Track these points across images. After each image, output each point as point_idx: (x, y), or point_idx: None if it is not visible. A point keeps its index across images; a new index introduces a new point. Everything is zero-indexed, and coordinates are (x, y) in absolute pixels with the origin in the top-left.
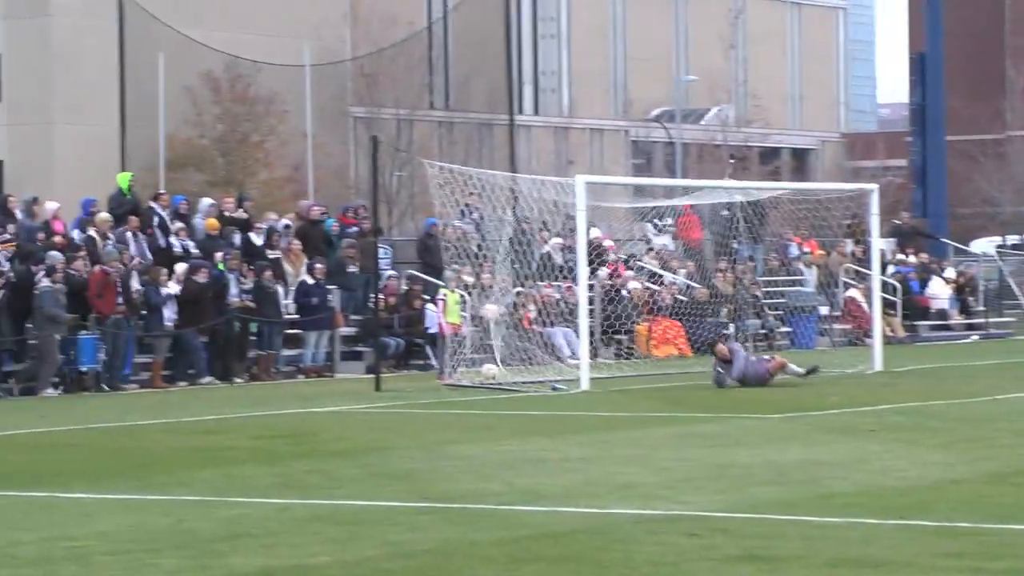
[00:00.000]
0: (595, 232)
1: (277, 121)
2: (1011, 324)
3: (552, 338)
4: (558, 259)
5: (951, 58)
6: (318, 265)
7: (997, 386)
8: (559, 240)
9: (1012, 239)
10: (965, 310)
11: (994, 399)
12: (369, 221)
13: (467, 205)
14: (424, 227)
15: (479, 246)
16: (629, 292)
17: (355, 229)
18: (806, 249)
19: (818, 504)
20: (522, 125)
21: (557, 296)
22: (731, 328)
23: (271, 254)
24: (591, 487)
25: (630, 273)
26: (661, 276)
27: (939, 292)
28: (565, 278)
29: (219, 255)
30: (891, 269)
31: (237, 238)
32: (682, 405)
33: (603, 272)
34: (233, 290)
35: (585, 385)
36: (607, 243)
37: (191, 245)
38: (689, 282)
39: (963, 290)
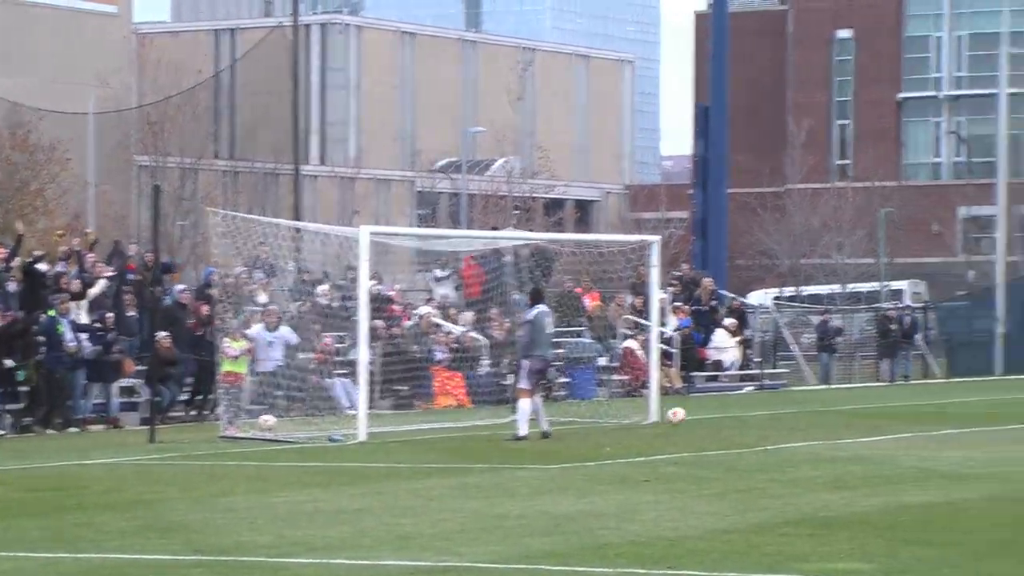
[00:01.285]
0: (376, 284)
1: (59, 169)
2: (785, 375)
3: (331, 389)
4: (333, 306)
5: (734, 112)
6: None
7: (768, 436)
8: (325, 287)
9: (788, 291)
10: (745, 362)
11: (765, 449)
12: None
13: (258, 257)
14: (203, 276)
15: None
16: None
17: (132, 276)
18: (588, 300)
19: (590, 554)
20: (307, 175)
21: (337, 346)
22: (509, 379)
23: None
24: (365, 538)
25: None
26: (440, 326)
27: (723, 343)
28: (343, 328)
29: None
30: (673, 321)
31: (12, 285)
32: (460, 456)
33: (380, 323)
34: (68, 335)
35: (363, 436)
36: (391, 292)
37: None
38: (468, 331)
39: (744, 341)
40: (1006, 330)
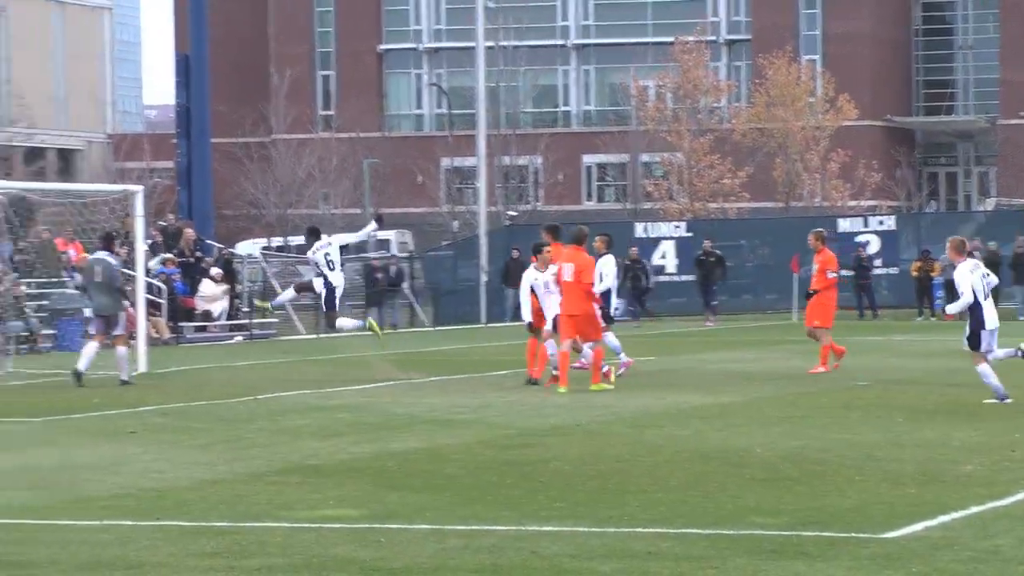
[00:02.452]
0: None
1: None
2: (274, 325)
3: None
4: None
5: (216, 62)
6: None
7: (257, 386)
8: None
9: (276, 241)
10: (232, 312)
11: (255, 399)
12: None
13: None
14: None
15: None
16: None
17: None
18: (71, 250)
19: (75, 508)
20: None
21: None
22: None
23: None
24: None
25: None
26: None
27: (210, 292)
28: None
29: None
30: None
31: None
32: None
33: None
34: None
35: None
36: None
37: None
38: None
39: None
40: (488, 278)
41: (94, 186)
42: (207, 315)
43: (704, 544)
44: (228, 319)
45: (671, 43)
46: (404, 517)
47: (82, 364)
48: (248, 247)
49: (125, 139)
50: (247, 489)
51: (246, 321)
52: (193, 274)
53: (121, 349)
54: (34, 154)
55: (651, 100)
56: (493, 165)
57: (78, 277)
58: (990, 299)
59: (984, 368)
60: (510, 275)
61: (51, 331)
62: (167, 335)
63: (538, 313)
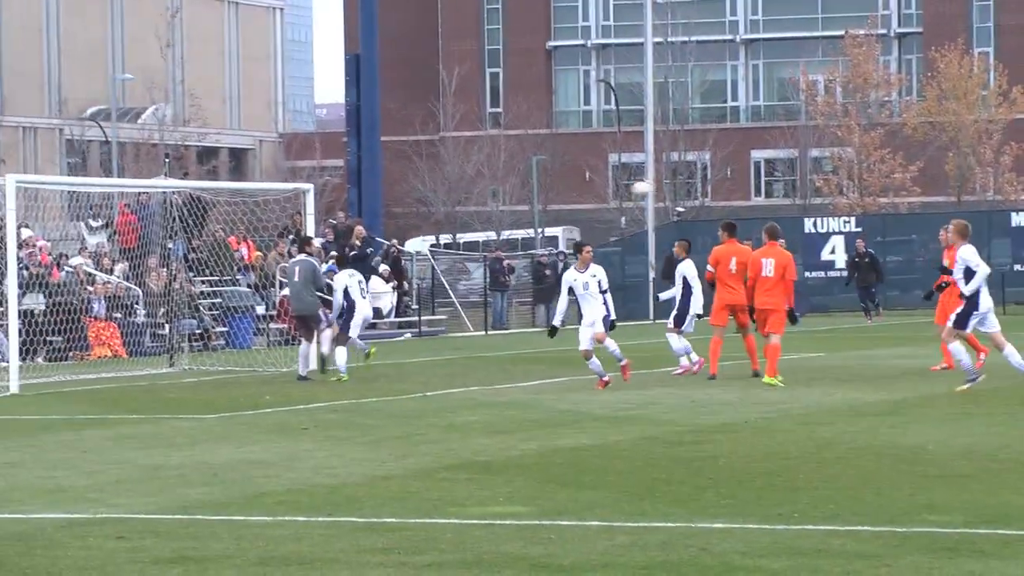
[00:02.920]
0: (27, 232)
1: None
2: (443, 322)
3: None
4: None
5: (386, 60)
6: None
7: (427, 383)
8: None
9: (445, 238)
10: (401, 309)
11: (424, 396)
12: None
13: None
14: None
15: None
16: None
17: None
18: (243, 249)
19: (249, 504)
20: None
21: None
22: (165, 328)
23: None
24: (16, 492)
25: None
26: (94, 276)
27: (379, 289)
28: None
29: None
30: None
31: None
32: (116, 407)
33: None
34: None
35: (15, 388)
36: (40, 243)
37: None
38: (123, 281)
39: (400, 288)
40: (656, 275)
41: (265, 185)
42: (376, 312)
43: (876, 542)
44: (396, 316)
45: (841, 37)
46: (573, 514)
47: (302, 367)
48: (417, 244)
49: (296, 138)
50: (418, 485)
51: (415, 318)
52: (362, 270)
53: (304, 346)
54: (207, 153)
55: (821, 94)
56: (661, 161)
57: (251, 275)
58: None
59: (957, 346)
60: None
61: (223, 328)
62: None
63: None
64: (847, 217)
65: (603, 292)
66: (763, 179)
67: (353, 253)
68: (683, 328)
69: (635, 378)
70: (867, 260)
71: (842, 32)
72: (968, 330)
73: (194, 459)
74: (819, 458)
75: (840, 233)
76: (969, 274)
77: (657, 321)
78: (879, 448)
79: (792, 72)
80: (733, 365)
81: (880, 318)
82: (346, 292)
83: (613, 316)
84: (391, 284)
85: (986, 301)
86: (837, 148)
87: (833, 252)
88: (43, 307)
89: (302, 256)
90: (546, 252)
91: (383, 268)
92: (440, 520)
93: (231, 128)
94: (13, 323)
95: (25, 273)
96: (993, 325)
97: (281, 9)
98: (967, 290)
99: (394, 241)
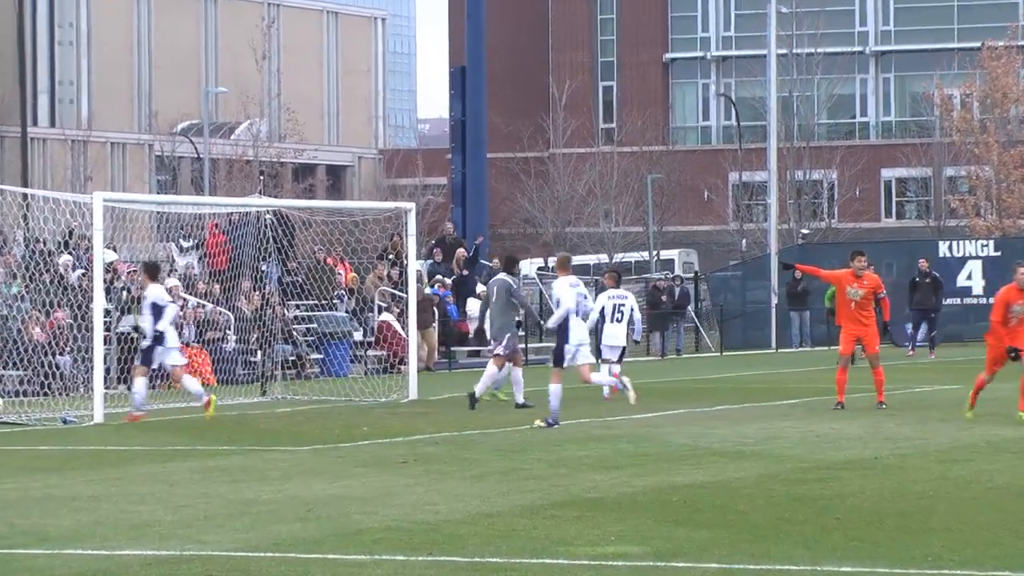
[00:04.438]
0: (111, 255)
1: None
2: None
3: (64, 366)
4: (71, 279)
5: (493, 73)
6: None
7: (533, 413)
8: (69, 258)
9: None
10: None
11: (531, 427)
12: None
13: None
14: None
15: None
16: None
17: None
18: (340, 271)
19: (345, 541)
20: (36, 138)
21: (70, 321)
22: (257, 355)
23: None
24: (101, 527)
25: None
26: (186, 300)
27: (474, 312)
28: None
29: None
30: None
31: None
32: (204, 437)
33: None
34: None
35: (99, 418)
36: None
37: None
38: (214, 306)
39: None
40: (779, 301)
41: (365, 204)
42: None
43: None
44: None
45: (978, 48)
46: (691, 555)
47: (479, 387)
48: (524, 267)
49: (398, 154)
50: (523, 523)
51: (520, 345)
52: (464, 293)
53: (516, 372)
54: (304, 171)
55: (956, 109)
56: (785, 180)
57: (349, 299)
58: None
59: None
60: (796, 297)
61: (319, 355)
62: (434, 360)
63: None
64: (985, 240)
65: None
66: (894, 199)
67: (454, 278)
68: (565, 364)
69: (755, 411)
70: (928, 281)
71: (979, 44)
72: None
73: (287, 493)
74: (955, 498)
75: (977, 258)
76: None
77: (780, 350)
78: (1021, 488)
79: (926, 86)
80: (861, 397)
81: (932, 355)
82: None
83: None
84: None
85: None
86: (974, 167)
87: (970, 278)
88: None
89: (501, 275)
90: (662, 276)
91: (481, 289)
92: (548, 560)
93: (329, 144)
94: (99, 350)
95: (125, 295)
96: None
97: (383, 19)
98: None
99: (496, 261)
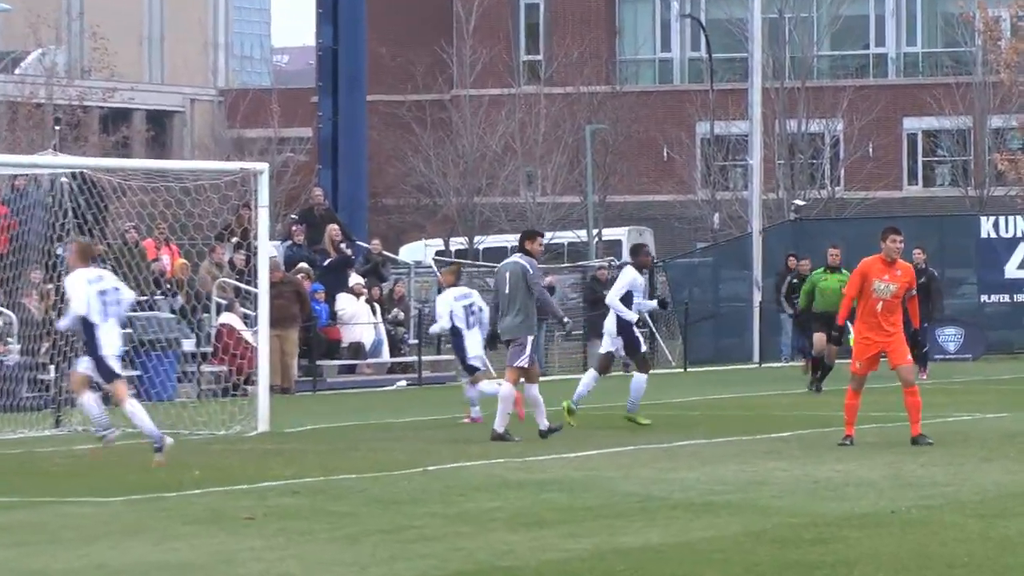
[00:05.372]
0: None
1: None
2: (452, 364)
3: None
4: None
5: None
6: None
7: (429, 452)
8: None
9: (457, 243)
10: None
11: (424, 471)
12: None
13: None
14: None
15: None
16: None
17: None
18: (163, 256)
19: None
20: None
21: None
22: (50, 372)
23: None
24: None
25: None
26: None
27: (354, 312)
28: None
29: None
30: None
31: None
32: None
33: None
34: None
35: None
36: None
37: None
38: None
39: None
40: (763, 297)
41: (199, 164)
42: (356, 350)
43: None
44: (387, 355)
45: None
46: None
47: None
48: (417, 251)
49: (245, 96)
50: None
51: (411, 358)
52: (337, 290)
53: (532, 388)
54: (116, 117)
55: (1005, 37)
56: (772, 133)
57: (176, 295)
58: None
59: None
60: (789, 294)
61: (135, 372)
62: (292, 380)
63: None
64: None
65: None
66: (920, 159)
67: (329, 262)
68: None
69: (731, 448)
70: (922, 280)
71: None
72: None
73: (90, 560)
74: (1000, 565)
75: None
76: None
77: (764, 365)
78: None
79: (963, 4)
80: (878, 427)
81: (923, 375)
82: None
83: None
84: (362, 299)
85: None
86: None
87: (1022, 267)
88: None
89: (516, 257)
90: (605, 264)
91: (355, 281)
92: None
93: (150, 82)
94: None
95: None
96: None
97: None
98: None
99: (376, 243)
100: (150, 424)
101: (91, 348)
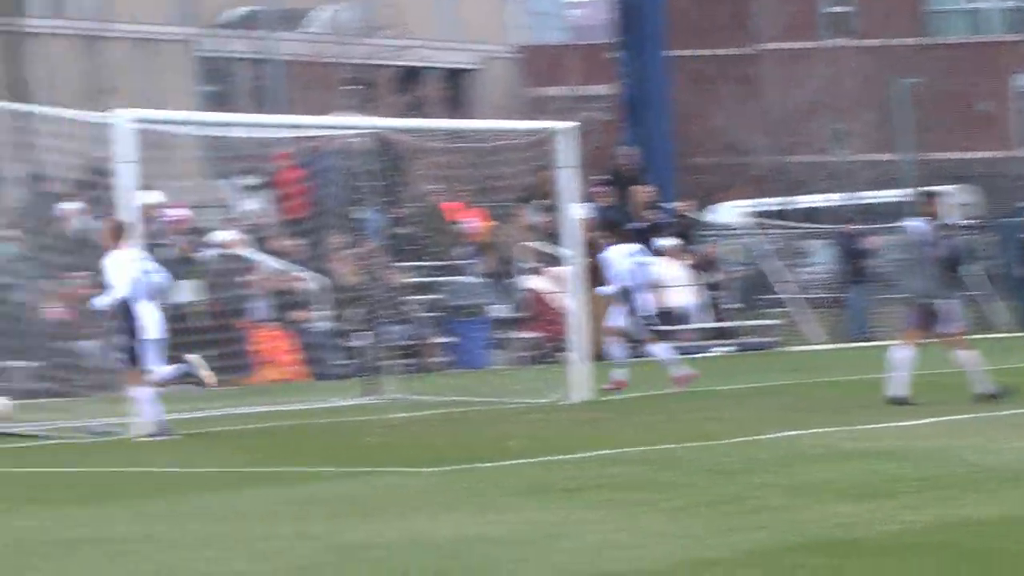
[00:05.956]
0: (155, 196)
1: None
2: (772, 329)
3: (88, 355)
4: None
5: None
6: None
7: (758, 420)
8: (77, 204)
9: (768, 203)
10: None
11: (755, 439)
12: None
13: None
14: None
15: None
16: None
17: None
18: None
19: None
20: (33, 32)
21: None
22: (360, 339)
23: None
24: None
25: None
26: (251, 261)
27: (670, 276)
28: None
29: None
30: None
31: None
32: (291, 455)
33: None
34: None
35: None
36: (178, 212)
37: None
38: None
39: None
40: None
41: (496, 123)
42: (669, 314)
43: None
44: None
45: None
46: None
47: (898, 389)
48: (729, 212)
49: (541, 53)
50: (748, 574)
51: (732, 323)
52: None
53: (964, 354)
54: (409, 77)
55: None
56: None
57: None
58: None
59: None
60: None
61: (446, 339)
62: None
63: None
64: None
65: None
66: None
67: (638, 225)
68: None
69: None
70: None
71: None
72: None
73: (406, 535)
74: None
75: None
76: None
77: None
78: None
79: None
80: None
81: None
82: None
83: None
84: (684, 262)
85: None
86: None
87: None
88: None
89: (916, 220)
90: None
91: (670, 244)
92: None
93: (445, 39)
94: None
95: (174, 252)
96: None
97: None
98: None
99: (688, 204)
100: (155, 412)
101: (129, 331)
